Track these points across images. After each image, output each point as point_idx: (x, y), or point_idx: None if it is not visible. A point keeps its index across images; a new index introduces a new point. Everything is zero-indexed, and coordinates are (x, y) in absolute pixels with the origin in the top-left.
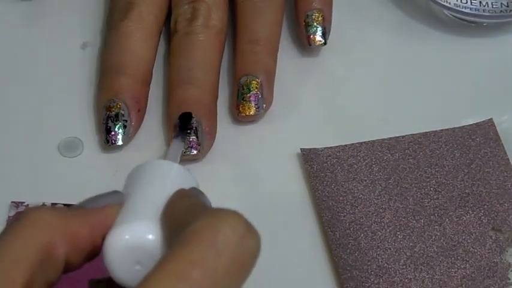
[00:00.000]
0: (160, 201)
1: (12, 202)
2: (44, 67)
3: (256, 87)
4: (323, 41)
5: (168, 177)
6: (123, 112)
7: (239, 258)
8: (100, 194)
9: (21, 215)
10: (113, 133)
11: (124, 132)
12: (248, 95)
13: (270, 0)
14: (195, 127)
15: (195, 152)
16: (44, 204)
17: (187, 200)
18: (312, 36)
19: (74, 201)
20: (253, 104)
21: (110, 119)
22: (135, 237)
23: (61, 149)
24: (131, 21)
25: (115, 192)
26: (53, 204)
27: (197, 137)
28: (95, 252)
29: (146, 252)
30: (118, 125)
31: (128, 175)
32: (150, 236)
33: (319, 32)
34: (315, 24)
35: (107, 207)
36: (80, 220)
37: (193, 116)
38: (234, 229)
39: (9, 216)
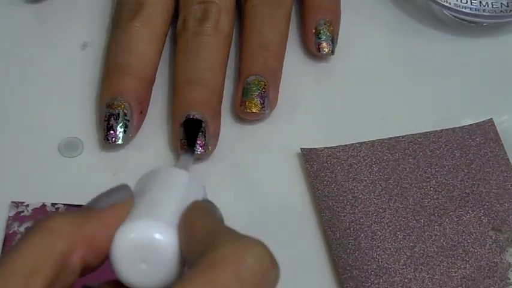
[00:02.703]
0: (172, 206)
1: (12, 202)
2: (44, 67)
3: (264, 87)
4: (332, 49)
5: (182, 185)
6: (126, 112)
7: None
8: (108, 190)
9: (35, 224)
10: (114, 132)
11: (125, 132)
12: (255, 93)
13: (279, 9)
14: (203, 128)
15: (201, 151)
16: (44, 205)
17: (208, 216)
18: (321, 44)
19: (74, 201)
20: (259, 102)
21: (113, 117)
22: (142, 235)
23: (61, 149)
24: (140, 22)
25: (123, 186)
26: (53, 204)
27: (204, 138)
28: None
29: (153, 251)
30: (120, 124)
31: (140, 177)
32: (157, 236)
33: (328, 41)
34: (325, 32)
35: (120, 205)
36: (95, 223)
37: (202, 121)
38: (258, 260)
39: (9, 216)
